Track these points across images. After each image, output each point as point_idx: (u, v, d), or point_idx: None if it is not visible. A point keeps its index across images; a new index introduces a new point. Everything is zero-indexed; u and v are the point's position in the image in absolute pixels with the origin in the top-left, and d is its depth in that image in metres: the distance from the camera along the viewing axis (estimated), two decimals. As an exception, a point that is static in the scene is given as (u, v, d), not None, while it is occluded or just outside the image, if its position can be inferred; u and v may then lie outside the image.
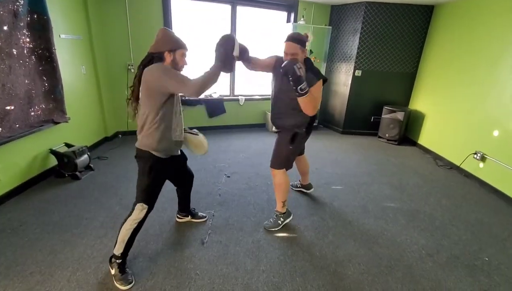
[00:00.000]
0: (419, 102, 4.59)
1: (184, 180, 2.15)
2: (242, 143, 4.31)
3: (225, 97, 4.86)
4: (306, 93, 1.79)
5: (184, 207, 2.31)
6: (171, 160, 1.78)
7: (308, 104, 1.86)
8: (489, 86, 3.28)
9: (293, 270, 1.85)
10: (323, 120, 5.53)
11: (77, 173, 2.91)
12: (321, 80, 1.91)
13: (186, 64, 1.71)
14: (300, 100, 1.84)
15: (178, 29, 4.23)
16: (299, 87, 1.76)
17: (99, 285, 1.66)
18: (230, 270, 1.83)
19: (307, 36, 1.92)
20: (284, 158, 2.17)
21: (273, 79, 2.12)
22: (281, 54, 1.98)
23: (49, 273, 1.72)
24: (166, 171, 1.79)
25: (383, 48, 4.53)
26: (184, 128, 1.86)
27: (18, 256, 1.84)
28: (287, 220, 2.32)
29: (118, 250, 1.69)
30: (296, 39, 1.84)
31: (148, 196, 1.70)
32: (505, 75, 3.06)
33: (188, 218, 2.36)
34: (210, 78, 1.59)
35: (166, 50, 1.60)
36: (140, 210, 1.67)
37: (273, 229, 2.26)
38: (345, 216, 2.50)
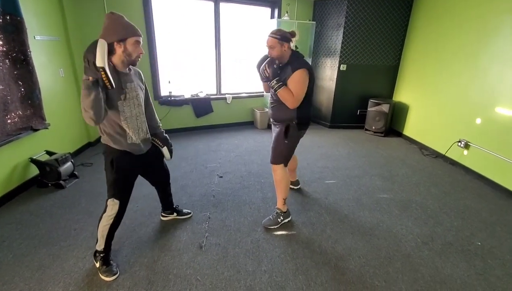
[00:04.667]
0: (403, 94, 4.70)
1: (157, 177, 2.06)
2: (232, 142, 4.26)
3: (212, 96, 4.76)
4: (277, 89, 1.93)
5: (167, 205, 2.26)
6: (137, 155, 1.69)
7: (283, 98, 1.96)
8: (470, 75, 3.38)
9: (295, 268, 1.83)
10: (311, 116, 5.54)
11: (61, 182, 2.77)
12: (298, 71, 1.88)
13: (142, 53, 1.53)
14: (278, 95, 1.97)
15: (160, 28, 4.10)
16: (270, 84, 1.97)
17: (95, 298, 1.58)
18: (232, 272, 1.79)
19: (294, 33, 1.99)
20: (280, 152, 2.17)
21: None
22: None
23: (39, 290, 1.62)
24: (132, 164, 1.69)
25: (366, 42, 4.58)
26: (151, 138, 1.82)
27: (3, 274, 1.71)
28: (286, 220, 2.31)
29: (100, 246, 1.74)
30: (274, 33, 1.95)
31: (117, 190, 1.66)
32: (486, 64, 3.17)
33: (173, 216, 2.31)
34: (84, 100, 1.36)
35: (115, 40, 1.42)
36: (111, 205, 1.67)
37: (272, 227, 2.24)
38: (340, 210, 2.52)
